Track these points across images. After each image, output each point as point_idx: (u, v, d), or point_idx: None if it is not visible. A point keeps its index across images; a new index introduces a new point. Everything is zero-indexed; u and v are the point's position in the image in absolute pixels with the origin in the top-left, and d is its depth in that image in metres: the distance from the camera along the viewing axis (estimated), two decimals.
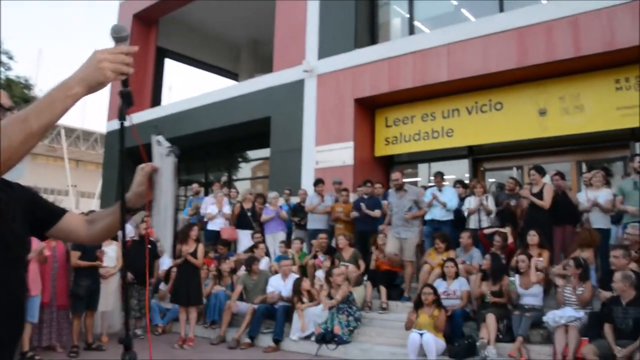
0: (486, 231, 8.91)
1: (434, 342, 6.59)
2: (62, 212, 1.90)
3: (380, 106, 12.85)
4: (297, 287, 8.43)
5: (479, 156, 12.14)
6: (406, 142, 12.41)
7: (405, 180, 9.28)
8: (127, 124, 1.81)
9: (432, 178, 10.68)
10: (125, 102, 1.73)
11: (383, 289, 8.63)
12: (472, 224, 9.31)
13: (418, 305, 7.15)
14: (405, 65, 11.62)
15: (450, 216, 9.62)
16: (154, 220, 1.87)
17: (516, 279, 7.33)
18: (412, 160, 13.36)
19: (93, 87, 1.51)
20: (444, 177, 10.11)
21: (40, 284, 7.39)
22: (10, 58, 23.55)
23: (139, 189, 1.78)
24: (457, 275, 7.78)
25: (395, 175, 8.70)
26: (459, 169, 12.34)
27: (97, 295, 8.03)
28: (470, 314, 7.53)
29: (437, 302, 7.09)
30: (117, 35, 1.67)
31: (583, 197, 8.41)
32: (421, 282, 8.37)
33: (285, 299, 8.62)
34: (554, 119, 10.35)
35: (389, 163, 13.18)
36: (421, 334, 6.67)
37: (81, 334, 8.08)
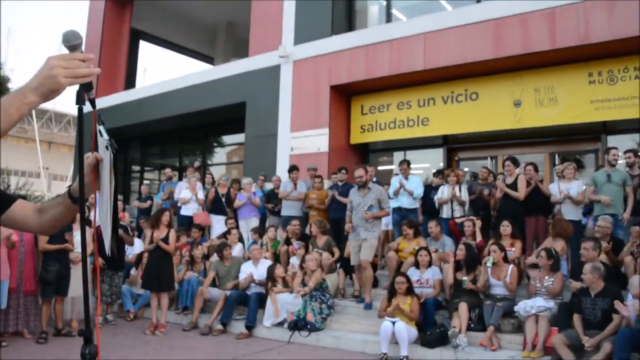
0: (457, 220, 8.97)
1: (406, 331, 6.62)
2: (13, 199, 1.83)
3: (357, 93, 12.82)
4: (270, 274, 8.40)
5: (454, 145, 12.24)
6: (382, 130, 12.42)
7: (370, 175, 9.35)
8: (87, 109, 1.71)
9: (397, 166, 10.69)
10: (83, 85, 1.63)
11: (355, 278, 8.64)
12: (445, 213, 9.37)
13: (391, 293, 7.18)
14: (382, 53, 11.59)
15: (416, 204, 9.69)
16: (99, 212, 1.81)
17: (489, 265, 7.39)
18: (388, 149, 13.39)
19: (47, 95, 1.47)
20: (411, 165, 10.10)
21: (8, 269, 7.23)
22: None
23: (85, 179, 1.71)
24: (430, 264, 7.82)
25: (358, 172, 8.14)
26: (434, 158, 12.42)
27: (67, 280, 7.88)
28: (443, 303, 7.59)
29: (410, 291, 7.12)
30: (69, 44, 1.58)
31: (555, 189, 8.51)
32: (391, 270, 8.41)
33: (257, 282, 8.58)
34: (529, 110, 10.44)
35: (364, 151, 13.21)
36: (393, 323, 6.69)
37: (50, 319, 7.94)
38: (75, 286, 8.11)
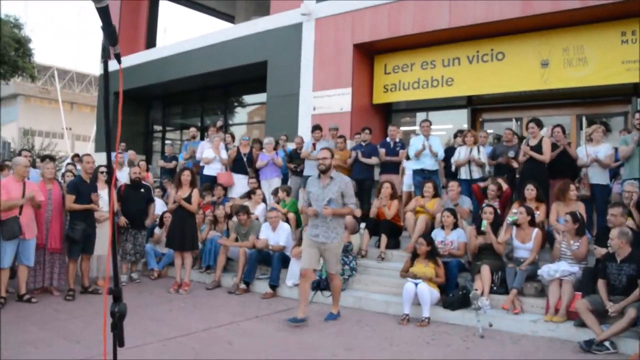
0: (481, 184, 8.86)
1: (429, 292, 6.62)
2: None
3: (380, 52, 12.61)
4: (299, 235, 8.49)
5: (478, 106, 12.03)
6: (405, 90, 12.24)
7: (401, 129, 9.13)
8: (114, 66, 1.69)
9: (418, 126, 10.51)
10: (108, 40, 1.59)
11: (384, 238, 8.60)
12: (463, 174, 9.28)
13: (414, 255, 7.16)
14: (406, 11, 11.33)
15: (437, 166, 9.58)
16: None
17: (513, 230, 7.33)
18: (411, 109, 13.22)
19: None
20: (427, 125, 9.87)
21: (35, 227, 7.34)
22: None
23: None
24: (455, 225, 7.76)
25: (322, 153, 6.45)
26: (458, 119, 12.25)
27: (93, 239, 7.99)
28: (466, 265, 7.56)
29: (433, 254, 7.09)
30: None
31: (582, 152, 8.35)
32: (413, 231, 8.36)
33: (271, 248, 8.53)
34: (556, 71, 10.18)
35: (387, 111, 13.07)
36: (416, 284, 6.69)
37: (77, 277, 8.09)
38: (101, 245, 8.24)
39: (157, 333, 5.94)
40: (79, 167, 9.68)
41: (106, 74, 1.66)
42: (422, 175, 9.41)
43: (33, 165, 9.66)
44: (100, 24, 1.65)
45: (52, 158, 10.56)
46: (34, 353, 5.19)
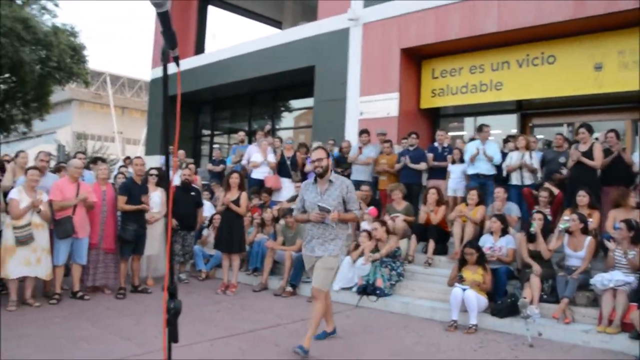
0: (534, 192, 8.68)
1: (476, 299, 6.53)
2: None
3: (427, 57, 12.53)
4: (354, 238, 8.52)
5: (528, 111, 11.81)
6: (453, 94, 12.13)
7: (449, 134, 8.96)
8: (172, 69, 1.76)
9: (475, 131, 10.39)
10: (168, 43, 1.67)
11: (432, 244, 8.55)
12: (514, 180, 9.10)
13: (462, 263, 7.08)
14: (453, 15, 11.23)
15: (494, 171, 9.40)
16: None
17: (565, 238, 7.16)
18: (458, 114, 13.10)
19: None
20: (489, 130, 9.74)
21: (88, 227, 7.60)
22: (56, 5, 23.77)
23: None
24: (504, 231, 7.63)
25: (317, 153, 5.40)
26: (507, 124, 12.04)
27: (144, 239, 8.20)
28: (515, 273, 7.42)
29: (481, 260, 7.00)
30: (154, 1, 1.61)
31: (638, 158, 8.09)
32: (459, 237, 8.28)
33: None
34: (611, 74, 9.91)
35: (435, 116, 12.97)
36: (463, 290, 6.61)
37: (128, 276, 8.30)
38: (151, 245, 8.43)
39: (206, 333, 6.04)
40: (130, 169, 9.94)
41: (165, 76, 1.72)
42: (476, 181, 9.30)
43: (87, 167, 9.96)
44: (161, 28, 1.71)
45: (103, 160, 10.88)
46: (87, 348, 5.37)
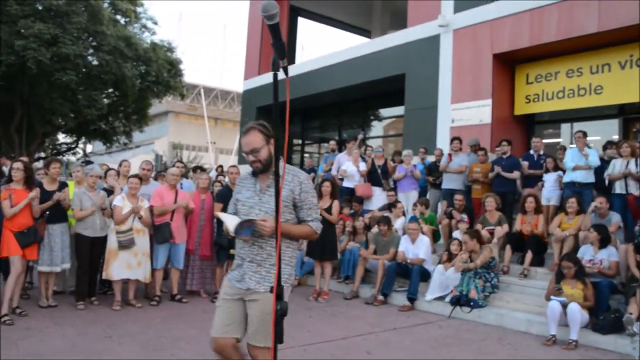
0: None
1: (579, 313, 6.24)
2: None
3: (521, 62, 12.18)
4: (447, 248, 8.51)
5: (632, 116, 11.17)
6: (548, 100, 11.70)
7: (543, 142, 8.54)
8: (281, 76, 1.86)
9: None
10: (278, 54, 1.78)
11: (529, 255, 8.26)
12: (618, 189, 8.63)
13: (559, 275, 6.80)
14: (549, 17, 10.85)
15: (592, 178, 8.95)
16: None
17: None
18: (555, 120, 12.63)
19: None
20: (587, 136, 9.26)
21: (185, 233, 7.98)
22: (155, 23, 25.21)
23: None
24: (604, 243, 7.25)
25: (249, 139, 3.29)
26: (607, 130, 11.49)
27: None
28: (618, 287, 7.03)
29: (580, 273, 6.69)
30: (267, 14, 1.72)
31: None
32: (558, 248, 7.97)
33: (409, 262, 8.49)
34: None
35: (530, 122, 12.58)
36: (562, 303, 6.35)
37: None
38: None
39: (298, 338, 6.14)
40: (226, 178, 10.31)
41: (275, 85, 1.82)
42: (572, 189, 8.91)
43: (184, 175, 10.44)
44: (271, 40, 1.81)
45: (202, 169, 11.34)
46: (186, 348, 5.64)
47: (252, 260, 3.28)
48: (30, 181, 6.78)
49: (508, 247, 8.53)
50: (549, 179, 9.47)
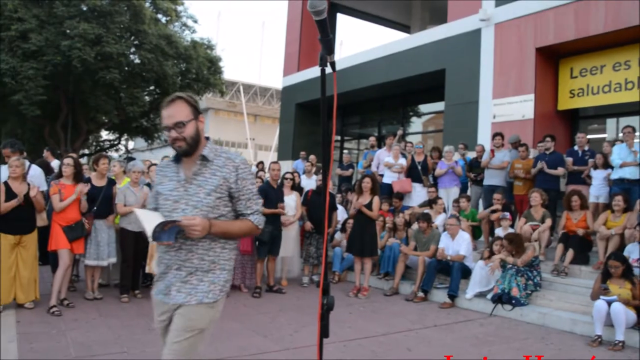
0: None
1: (624, 313, 6.08)
2: None
3: (565, 55, 11.90)
4: (490, 244, 8.42)
5: None
6: (594, 94, 11.41)
7: (588, 137, 8.34)
8: (328, 70, 1.88)
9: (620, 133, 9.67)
10: (325, 49, 1.81)
11: (570, 253, 8.08)
12: None
13: (605, 274, 6.63)
14: (596, 8, 10.56)
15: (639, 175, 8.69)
16: None
17: None
18: (600, 115, 12.30)
19: None
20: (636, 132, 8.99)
21: None
22: (195, 22, 25.55)
23: None
24: None
25: (172, 111, 2.72)
26: None
27: (279, 241, 8.55)
28: None
29: (628, 273, 6.51)
30: (314, 10, 1.74)
31: None
32: (603, 248, 7.79)
33: (449, 259, 8.41)
34: None
35: (574, 117, 12.29)
36: (608, 303, 6.20)
37: (263, 276, 8.67)
38: (286, 247, 8.76)
39: (339, 334, 6.16)
40: (267, 174, 10.40)
41: (323, 80, 1.84)
42: (620, 186, 8.64)
43: None
44: (319, 35, 1.83)
45: None
46: (227, 342, 5.70)
47: (180, 267, 2.67)
48: (79, 177, 7.00)
49: (560, 246, 8.33)
50: (598, 176, 9.22)
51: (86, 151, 28.51)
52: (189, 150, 2.70)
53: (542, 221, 8.57)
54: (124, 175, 8.17)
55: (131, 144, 38.65)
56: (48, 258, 7.63)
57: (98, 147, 29.89)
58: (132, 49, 22.06)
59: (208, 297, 2.69)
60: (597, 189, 9.22)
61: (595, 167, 9.31)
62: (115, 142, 29.92)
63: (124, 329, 5.98)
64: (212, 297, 2.70)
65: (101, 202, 7.29)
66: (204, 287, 2.70)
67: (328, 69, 1.92)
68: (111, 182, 7.62)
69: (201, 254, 2.68)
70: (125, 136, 29.39)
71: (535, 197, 8.77)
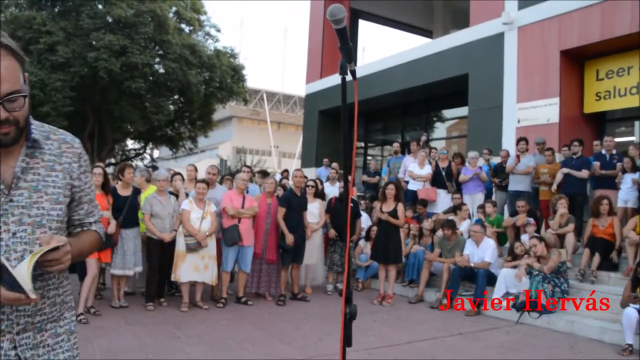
0: None
1: None
2: None
3: (591, 57, 11.72)
4: (511, 248, 8.35)
5: None
6: (621, 96, 11.21)
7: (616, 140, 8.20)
8: (348, 78, 1.88)
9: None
10: (346, 57, 1.80)
11: (597, 258, 7.96)
12: None
13: (635, 281, 6.48)
14: (622, 8, 10.38)
15: None
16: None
17: None
18: (628, 117, 12.06)
19: None
20: None
21: (252, 236, 8.09)
22: (218, 31, 25.83)
23: None
24: None
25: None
26: None
27: (303, 249, 8.56)
28: None
29: None
30: (334, 18, 1.73)
31: None
32: (633, 254, 7.62)
33: (473, 266, 8.33)
34: None
35: (600, 120, 12.09)
36: (639, 311, 6.06)
37: (287, 284, 8.67)
38: (310, 255, 8.76)
39: (363, 342, 6.12)
40: (291, 182, 10.41)
41: (344, 88, 1.84)
42: None
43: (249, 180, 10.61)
44: (339, 44, 1.83)
45: (266, 173, 11.49)
46: (251, 350, 5.73)
47: (25, 327, 1.65)
48: (106, 186, 7.13)
49: (586, 251, 8.19)
50: (627, 180, 9.05)
51: (112, 160, 28.91)
52: (18, 138, 1.64)
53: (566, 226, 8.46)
54: (147, 184, 8.27)
55: (156, 153, 39.08)
56: (75, 267, 7.73)
57: (124, 157, 30.28)
58: (157, 59, 22.34)
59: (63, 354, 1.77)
60: (625, 193, 9.03)
61: (624, 170, 9.14)
62: (141, 151, 30.29)
63: (149, 337, 6.04)
64: (77, 353, 1.85)
65: (127, 211, 7.38)
66: (68, 346, 1.80)
67: (349, 77, 1.91)
68: (136, 191, 7.72)
69: (52, 297, 1.74)
70: (150, 145, 29.74)
71: (562, 203, 8.64)
